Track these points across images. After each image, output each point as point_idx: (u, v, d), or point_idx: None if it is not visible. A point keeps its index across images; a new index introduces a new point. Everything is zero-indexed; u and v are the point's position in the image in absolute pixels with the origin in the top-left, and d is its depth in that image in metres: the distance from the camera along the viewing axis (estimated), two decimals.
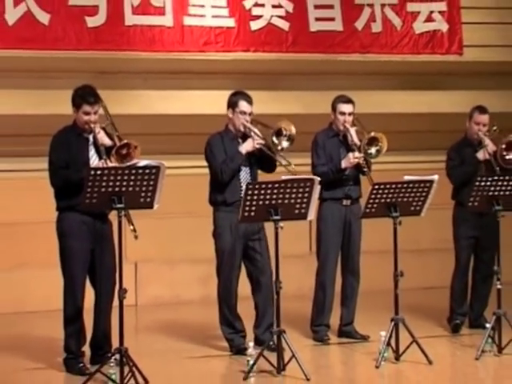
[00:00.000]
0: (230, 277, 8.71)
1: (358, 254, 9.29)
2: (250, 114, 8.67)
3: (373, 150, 8.99)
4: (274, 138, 8.60)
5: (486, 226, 9.29)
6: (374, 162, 9.07)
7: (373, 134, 8.98)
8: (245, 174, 8.68)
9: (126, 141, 7.91)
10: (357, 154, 8.95)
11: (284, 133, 8.62)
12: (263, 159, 8.67)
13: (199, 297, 11.16)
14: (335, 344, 9.18)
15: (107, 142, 8.01)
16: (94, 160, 8.04)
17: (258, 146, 8.56)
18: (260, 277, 8.74)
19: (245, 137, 8.69)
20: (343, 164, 9.05)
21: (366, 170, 8.96)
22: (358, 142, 8.99)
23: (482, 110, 9.53)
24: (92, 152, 8.09)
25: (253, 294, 8.83)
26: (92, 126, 8.00)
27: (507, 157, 9.29)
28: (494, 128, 9.45)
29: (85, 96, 8.07)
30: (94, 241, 8.09)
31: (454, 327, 9.51)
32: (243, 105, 8.66)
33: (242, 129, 8.67)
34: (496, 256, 9.18)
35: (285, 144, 8.61)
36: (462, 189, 9.35)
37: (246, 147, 8.58)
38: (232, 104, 8.72)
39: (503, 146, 9.24)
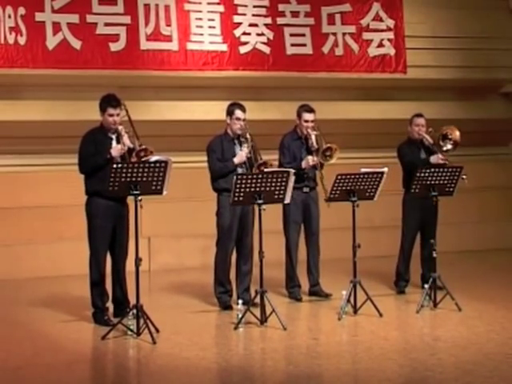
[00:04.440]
0: (227, 247, 8.70)
1: (318, 231, 9.27)
2: (243, 120, 8.66)
3: (327, 152, 8.92)
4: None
5: (428, 208, 9.32)
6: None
7: (330, 145, 8.92)
8: (241, 169, 8.64)
9: (144, 146, 7.90)
10: (315, 158, 8.94)
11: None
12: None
13: (199, 264, 11.10)
14: (306, 301, 9.17)
15: (129, 143, 7.99)
16: (115, 147, 8.01)
17: (248, 156, 8.53)
18: (244, 249, 8.74)
19: (240, 139, 8.67)
20: (303, 165, 9.04)
21: (318, 168, 8.99)
22: (316, 146, 8.99)
23: (419, 115, 9.56)
24: (114, 144, 8.05)
25: (237, 261, 8.82)
26: (116, 125, 7.97)
27: (444, 148, 9.35)
28: (430, 129, 9.47)
29: (109, 101, 8.07)
30: (114, 220, 8.06)
31: (399, 290, 9.50)
32: (238, 112, 8.66)
33: (238, 132, 8.65)
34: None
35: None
36: (410, 177, 9.33)
37: (238, 159, 8.57)
38: (229, 112, 8.72)
39: (439, 136, 9.37)
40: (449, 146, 9.40)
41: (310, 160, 8.97)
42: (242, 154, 8.57)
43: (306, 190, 9.15)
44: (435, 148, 9.36)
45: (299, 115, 9.14)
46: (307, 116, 9.09)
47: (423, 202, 9.20)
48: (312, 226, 9.22)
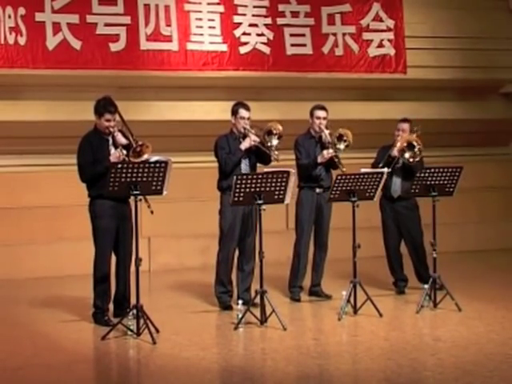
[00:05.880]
0: (230, 247, 8.72)
1: (327, 231, 9.26)
2: (248, 119, 8.70)
3: (342, 146, 8.96)
4: (266, 137, 8.60)
5: (402, 212, 9.32)
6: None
7: (340, 130, 8.97)
8: (245, 166, 8.70)
9: (140, 142, 7.89)
10: (330, 151, 8.94)
11: (274, 132, 8.63)
12: (260, 154, 8.66)
13: (199, 264, 11.13)
14: (306, 301, 9.16)
15: (123, 141, 8.00)
16: (113, 154, 8.00)
17: (253, 143, 8.57)
18: (247, 248, 8.74)
19: (245, 137, 8.68)
20: (319, 159, 9.04)
21: (337, 161, 8.91)
22: (330, 140, 8.99)
23: (403, 120, 9.57)
24: (112, 151, 8.05)
25: (239, 261, 8.82)
26: (111, 129, 7.97)
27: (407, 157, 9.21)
28: (415, 129, 9.39)
29: (107, 106, 8.02)
30: (118, 221, 8.06)
31: (399, 290, 9.49)
32: (242, 111, 8.70)
33: (242, 130, 8.67)
34: (418, 230, 9.37)
35: (274, 142, 8.63)
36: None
37: (244, 144, 8.61)
38: (234, 112, 8.75)
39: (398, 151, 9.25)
40: (411, 158, 9.16)
41: (326, 153, 8.98)
42: (247, 140, 8.60)
43: (318, 190, 9.14)
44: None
45: (311, 114, 9.18)
46: (319, 113, 9.12)
47: (396, 207, 9.28)
48: (322, 228, 9.21)
